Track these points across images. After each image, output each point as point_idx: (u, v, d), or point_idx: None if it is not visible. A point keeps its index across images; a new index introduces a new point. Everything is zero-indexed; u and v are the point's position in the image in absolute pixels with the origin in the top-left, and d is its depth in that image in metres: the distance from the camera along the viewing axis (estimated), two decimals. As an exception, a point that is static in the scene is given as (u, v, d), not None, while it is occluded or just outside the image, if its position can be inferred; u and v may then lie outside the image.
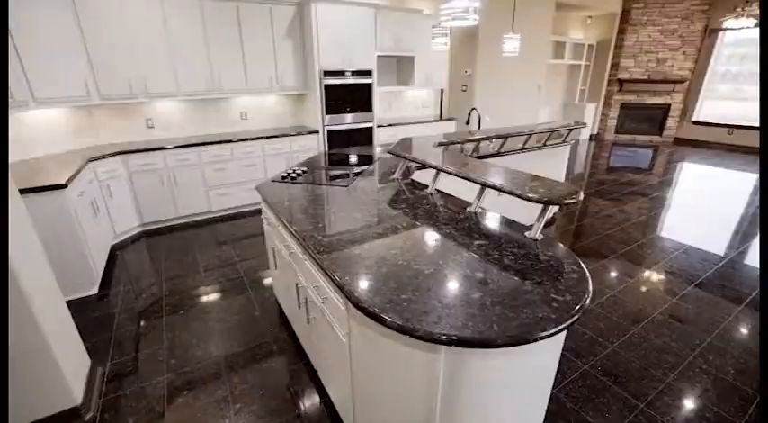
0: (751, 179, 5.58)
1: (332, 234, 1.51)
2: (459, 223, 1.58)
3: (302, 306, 1.67)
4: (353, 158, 2.86)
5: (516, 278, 1.15)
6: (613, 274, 2.86)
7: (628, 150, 7.88)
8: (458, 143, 3.06)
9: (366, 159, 2.83)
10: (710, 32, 7.77)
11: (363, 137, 4.64)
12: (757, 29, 6.73)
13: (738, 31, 7.49)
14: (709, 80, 8.05)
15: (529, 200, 1.39)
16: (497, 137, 3.16)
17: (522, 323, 0.94)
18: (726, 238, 3.44)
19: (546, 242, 1.38)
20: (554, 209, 1.41)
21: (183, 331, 2.28)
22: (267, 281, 2.80)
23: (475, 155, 3.01)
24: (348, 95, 4.35)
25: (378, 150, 3.19)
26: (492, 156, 3.11)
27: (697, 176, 5.85)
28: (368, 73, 4.40)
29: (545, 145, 3.51)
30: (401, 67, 5.17)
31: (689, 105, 8.31)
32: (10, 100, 2.54)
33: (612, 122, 8.77)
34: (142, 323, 2.34)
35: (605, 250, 3.22)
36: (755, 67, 7.68)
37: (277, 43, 4.05)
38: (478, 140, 3.08)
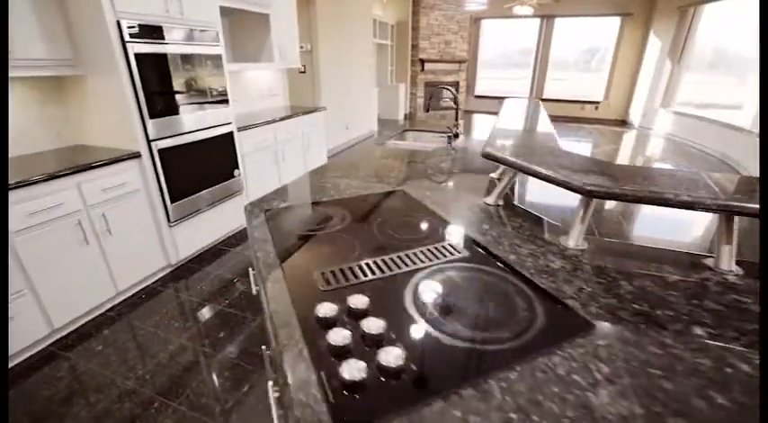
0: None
1: None
2: None
3: None
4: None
5: None
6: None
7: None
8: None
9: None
10: (475, 20, 9.12)
11: (221, 152, 2.67)
12: (531, 20, 8.36)
13: (494, 21, 9.09)
14: (481, 60, 9.59)
15: None
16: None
17: None
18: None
19: None
20: None
21: None
22: None
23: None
24: (184, 77, 2.29)
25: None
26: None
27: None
28: (212, 35, 2.44)
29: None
30: (239, 34, 3.29)
31: (470, 82, 9.72)
32: None
33: (421, 101, 9.27)
34: None
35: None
36: (508, 51, 9.63)
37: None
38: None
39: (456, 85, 9.43)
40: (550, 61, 8.94)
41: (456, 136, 2.36)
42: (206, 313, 2.09)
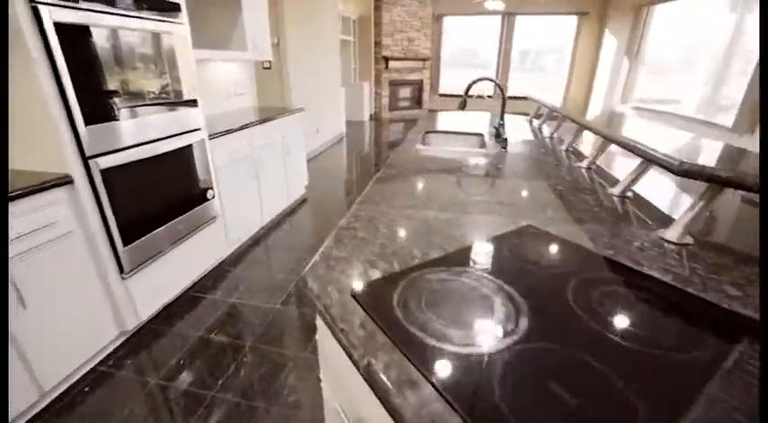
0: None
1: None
2: None
3: None
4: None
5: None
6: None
7: (402, 126, 8.09)
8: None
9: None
10: (438, 17, 8.85)
11: (190, 168, 1.98)
12: (490, 18, 8.17)
13: (455, 18, 8.89)
14: (444, 58, 9.35)
15: None
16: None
17: None
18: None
19: None
20: None
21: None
22: None
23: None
24: (136, 65, 1.59)
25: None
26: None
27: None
28: (172, 5, 1.76)
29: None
30: (201, 13, 2.57)
31: (434, 80, 9.45)
32: None
33: (386, 101, 8.83)
34: None
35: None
36: (471, 49, 9.49)
37: None
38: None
39: (420, 83, 9.11)
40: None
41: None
42: (193, 407, 1.43)
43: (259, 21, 2.86)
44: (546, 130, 2.40)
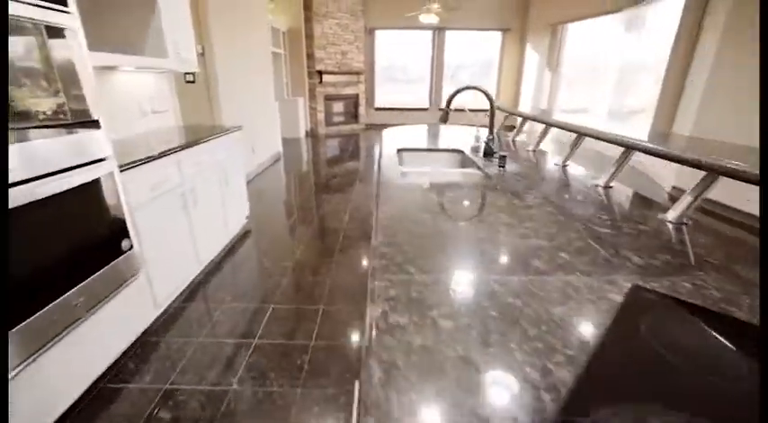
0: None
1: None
2: None
3: None
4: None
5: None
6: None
7: (340, 141, 7.80)
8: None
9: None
10: (370, 30, 8.77)
11: (92, 212, 1.43)
12: (421, 32, 8.20)
13: (388, 32, 8.88)
14: (378, 72, 9.27)
15: None
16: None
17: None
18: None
19: None
20: None
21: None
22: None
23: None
24: (-12, 72, 1.06)
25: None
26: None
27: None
28: (51, -7, 1.24)
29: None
30: (101, 10, 2.00)
31: (369, 94, 9.31)
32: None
33: (322, 116, 8.45)
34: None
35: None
36: (404, 62, 9.52)
37: None
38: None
39: (356, 97, 8.91)
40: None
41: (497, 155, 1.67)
42: None
43: (180, 22, 2.35)
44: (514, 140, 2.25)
